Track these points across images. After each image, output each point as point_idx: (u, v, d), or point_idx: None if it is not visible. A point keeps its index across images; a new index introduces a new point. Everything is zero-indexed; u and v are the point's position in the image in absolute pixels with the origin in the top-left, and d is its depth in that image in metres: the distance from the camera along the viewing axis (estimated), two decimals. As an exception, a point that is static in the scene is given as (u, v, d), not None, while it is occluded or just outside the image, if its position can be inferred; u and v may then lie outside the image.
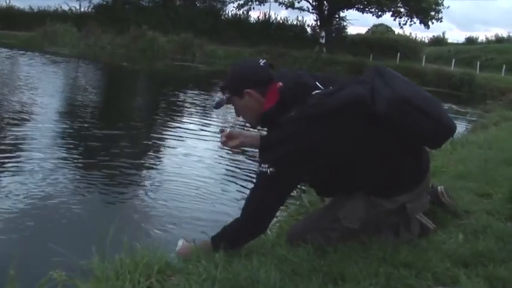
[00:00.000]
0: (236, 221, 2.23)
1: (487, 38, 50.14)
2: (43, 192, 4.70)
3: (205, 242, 2.34)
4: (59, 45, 23.86)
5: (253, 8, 35.72)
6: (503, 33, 60.65)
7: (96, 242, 2.58)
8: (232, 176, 5.99)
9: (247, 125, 2.49)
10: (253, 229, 2.22)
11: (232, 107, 2.39)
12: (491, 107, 14.44)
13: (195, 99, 12.93)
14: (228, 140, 2.58)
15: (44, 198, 4.58)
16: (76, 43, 25.38)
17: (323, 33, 32.13)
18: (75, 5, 35.65)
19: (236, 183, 5.69)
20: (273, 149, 2.11)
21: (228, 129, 2.62)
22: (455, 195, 3.29)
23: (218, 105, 2.39)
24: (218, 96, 15.63)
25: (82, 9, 35.54)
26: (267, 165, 2.08)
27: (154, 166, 6.26)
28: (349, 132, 2.09)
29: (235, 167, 6.42)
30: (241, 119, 2.43)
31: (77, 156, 6.19)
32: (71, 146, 6.65)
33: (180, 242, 2.52)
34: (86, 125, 8.12)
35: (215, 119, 10.42)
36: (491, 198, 3.16)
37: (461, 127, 9.88)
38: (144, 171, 5.94)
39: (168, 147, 7.38)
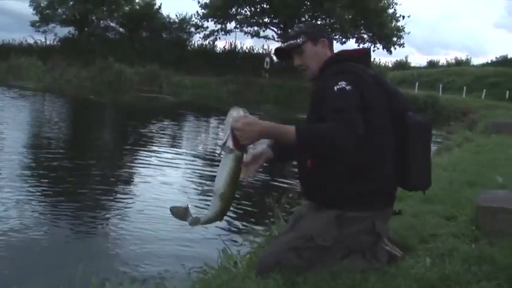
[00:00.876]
0: (329, 125, 2.06)
1: (447, 61, 51.85)
2: (8, 226, 4.57)
3: (284, 126, 2.12)
4: (23, 78, 23.54)
5: (219, 38, 36.12)
6: (462, 56, 62.87)
7: (65, 280, 2.54)
8: (207, 202, 6.01)
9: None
10: (344, 137, 2.02)
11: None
12: (455, 128, 14.82)
13: (164, 130, 12.89)
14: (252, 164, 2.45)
15: (9, 232, 4.44)
16: (41, 76, 25.08)
17: (267, 59, 32.52)
18: (40, 38, 35.37)
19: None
20: (347, 73, 2.24)
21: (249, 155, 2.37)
22: (422, 219, 3.38)
23: (289, 46, 2.44)
24: (207, 119, 15.47)
25: (48, 42, 35.26)
26: (345, 83, 2.16)
27: (125, 195, 6.20)
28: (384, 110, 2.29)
29: (208, 193, 6.46)
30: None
31: (46, 188, 6.09)
32: (40, 178, 6.55)
33: (237, 112, 2.07)
34: (55, 157, 8.02)
35: (185, 148, 10.41)
36: (456, 220, 3.23)
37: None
38: (116, 201, 5.87)
39: (139, 175, 7.31)
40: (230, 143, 2.03)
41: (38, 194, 5.81)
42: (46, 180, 6.42)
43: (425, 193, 2.53)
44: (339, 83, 2.15)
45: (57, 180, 6.57)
